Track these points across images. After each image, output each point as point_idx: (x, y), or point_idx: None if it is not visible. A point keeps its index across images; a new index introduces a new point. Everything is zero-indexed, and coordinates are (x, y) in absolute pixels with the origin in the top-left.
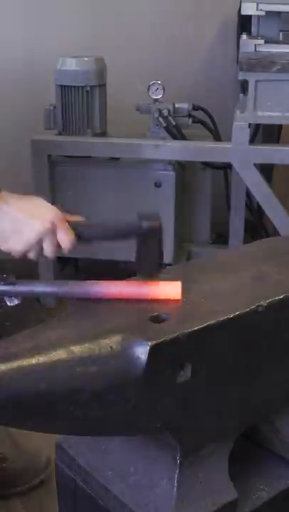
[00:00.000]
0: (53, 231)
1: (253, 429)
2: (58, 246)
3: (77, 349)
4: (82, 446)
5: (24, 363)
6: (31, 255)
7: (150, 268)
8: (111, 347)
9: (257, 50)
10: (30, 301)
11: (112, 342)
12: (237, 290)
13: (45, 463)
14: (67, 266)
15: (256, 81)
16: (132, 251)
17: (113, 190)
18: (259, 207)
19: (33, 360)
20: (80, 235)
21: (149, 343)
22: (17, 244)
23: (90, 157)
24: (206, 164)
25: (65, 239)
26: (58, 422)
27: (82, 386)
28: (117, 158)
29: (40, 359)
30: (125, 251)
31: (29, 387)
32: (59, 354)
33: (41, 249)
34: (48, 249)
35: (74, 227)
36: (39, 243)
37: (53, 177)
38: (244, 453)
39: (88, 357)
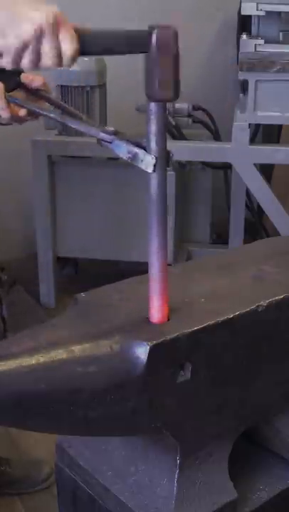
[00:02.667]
0: (54, 29)
1: (253, 428)
2: (59, 54)
3: (77, 349)
4: (82, 446)
5: (24, 363)
6: (26, 61)
7: (162, 89)
8: (111, 347)
9: (257, 50)
10: (30, 301)
11: (111, 342)
12: (237, 290)
13: (47, 474)
14: (67, 266)
15: (256, 81)
16: (132, 251)
17: (113, 190)
18: (259, 207)
19: (33, 360)
20: (84, 46)
21: (149, 343)
22: (8, 39)
23: (90, 157)
24: (206, 164)
25: (68, 42)
26: (58, 422)
27: (82, 386)
28: (117, 158)
29: (40, 359)
30: (125, 251)
31: (29, 387)
32: (59, 354)
33: (38, 54)
34: (48, 53)
35: (77, 33)
36: (38, 41)
37: (53, 177)
38: (244, 453)
39: (88, 357)
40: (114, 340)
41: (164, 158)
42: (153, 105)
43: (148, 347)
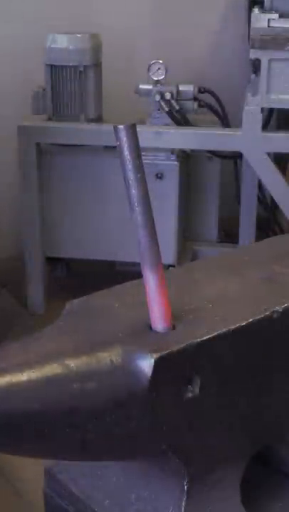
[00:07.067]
0: None
1: (267, 450)
2: None
3: (73, 363)
4: (75, 471)
5: (14, 379)
6: None
7: None
8: (111, 360)
9: (270, 25)
10: (16, 307)
11: (111, 354)
12: (248, 294)
13: None
14: (58, 267)
15: (269, 60)
16: (129, 250)
17: (109, 182)
18: (272, 201)
19: (24, 376)
20: None
21: (154, 356)
22: None
23: (83, 146)
24: (214, 153)
25: None
26: (53, 446)
27: (79, 404)
28: (114, 147)
29: (32, 375)
30: (121, 251)
31: (20, 407)
32: (53, 369)
33: None
34: None
35: None
36: None
37: (41, 167)
38: (257, 477)
39: (86, 372)
40: (115, 352)
41: (143, 173)
42: (122, 128)
43: (152, 360)
